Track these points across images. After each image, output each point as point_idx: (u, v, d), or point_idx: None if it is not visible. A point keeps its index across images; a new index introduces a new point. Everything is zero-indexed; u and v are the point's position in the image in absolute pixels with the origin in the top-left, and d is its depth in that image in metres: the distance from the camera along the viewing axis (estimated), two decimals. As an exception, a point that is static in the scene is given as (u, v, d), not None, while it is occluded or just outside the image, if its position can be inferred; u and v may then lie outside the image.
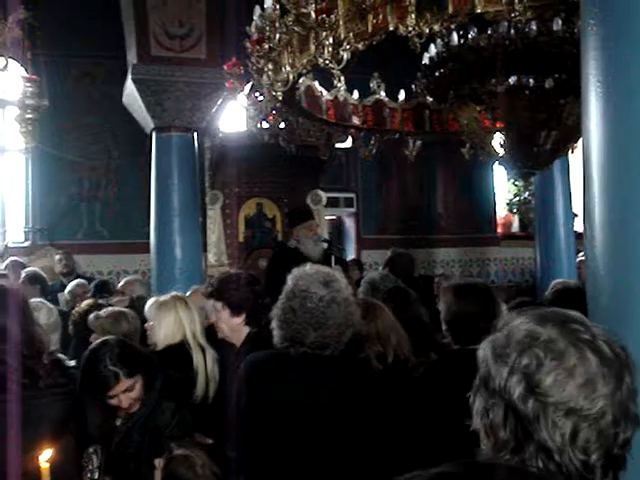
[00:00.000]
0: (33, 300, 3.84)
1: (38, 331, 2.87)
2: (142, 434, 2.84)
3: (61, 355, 3.22)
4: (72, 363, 3.01)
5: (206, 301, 4.03)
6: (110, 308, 4.14)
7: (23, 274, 6.52)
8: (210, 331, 3.59)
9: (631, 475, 1.23)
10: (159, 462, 2.45)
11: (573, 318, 1.23)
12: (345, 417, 2.47)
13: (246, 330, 3.25)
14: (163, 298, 3.76)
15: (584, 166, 2.27)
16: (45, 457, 1.76)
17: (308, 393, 2.49)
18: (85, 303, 4.79)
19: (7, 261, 7.56)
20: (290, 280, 2.59)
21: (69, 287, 6.59)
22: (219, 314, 3.28)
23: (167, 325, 3.59)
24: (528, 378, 1.17)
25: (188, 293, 4.37)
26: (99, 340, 3.07)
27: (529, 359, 1.18)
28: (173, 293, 3.87)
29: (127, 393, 2.85)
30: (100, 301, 4.90)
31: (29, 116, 7.07)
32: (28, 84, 7.01)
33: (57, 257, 8.31)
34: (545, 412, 1.15)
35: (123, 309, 4.11)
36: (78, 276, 7.64)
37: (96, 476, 2.80)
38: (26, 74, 7.21)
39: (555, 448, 1.14)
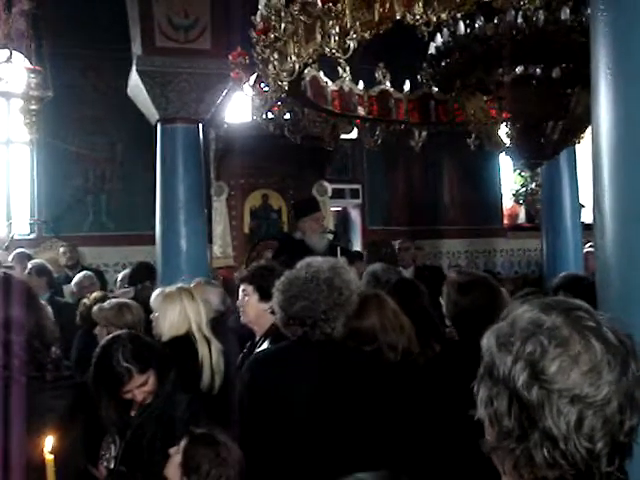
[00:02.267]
0: None
1: (48, 323, 2.85)
2: (156, 425, 2.82)
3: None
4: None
5: (208, 293, 4.03)
6: (114, 300, 4.14)
7: (29, 266, 6.53)
8: (215, 322, 3.58)
9: (638, 462, 1.21)
10: (175, 449, 2.41)
11: (578, 306, 1.22)
12: (353, 407, 2.47)
13: (271, 319, 3.24)
14: (169, 289, 3.76)
15: (593, 153, 2.24)
16: (48, 447, 1.74)
17: (316, 384, 2.49)
18: (93, 296, 4.80)
19: (13, 253, 7.57)
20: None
21: (76, 279, 6.60)
22: (248, 298, 3.33)
23: (172, 316, 3.59)
24: (532, 365, 1.15)
25: (191, 285, 4.36)
26: (110, 335, 3.04)
27: (533, 346, 1.16)
28: (179, 285, 3.86)
29: (141, 388, 2.83)
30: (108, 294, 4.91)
31: (33, 107, 7.06)
32: (32, 75, 6.99)
33: (61, 250, 8.33)
34: (550, 399, 1.13)
35: (127, 300, 4.11)
36: (83, 268, 7.66)
37: (112, 465, 2.80)
38: (30, 65, 7.19)
39: (560, 436, 1.13)
